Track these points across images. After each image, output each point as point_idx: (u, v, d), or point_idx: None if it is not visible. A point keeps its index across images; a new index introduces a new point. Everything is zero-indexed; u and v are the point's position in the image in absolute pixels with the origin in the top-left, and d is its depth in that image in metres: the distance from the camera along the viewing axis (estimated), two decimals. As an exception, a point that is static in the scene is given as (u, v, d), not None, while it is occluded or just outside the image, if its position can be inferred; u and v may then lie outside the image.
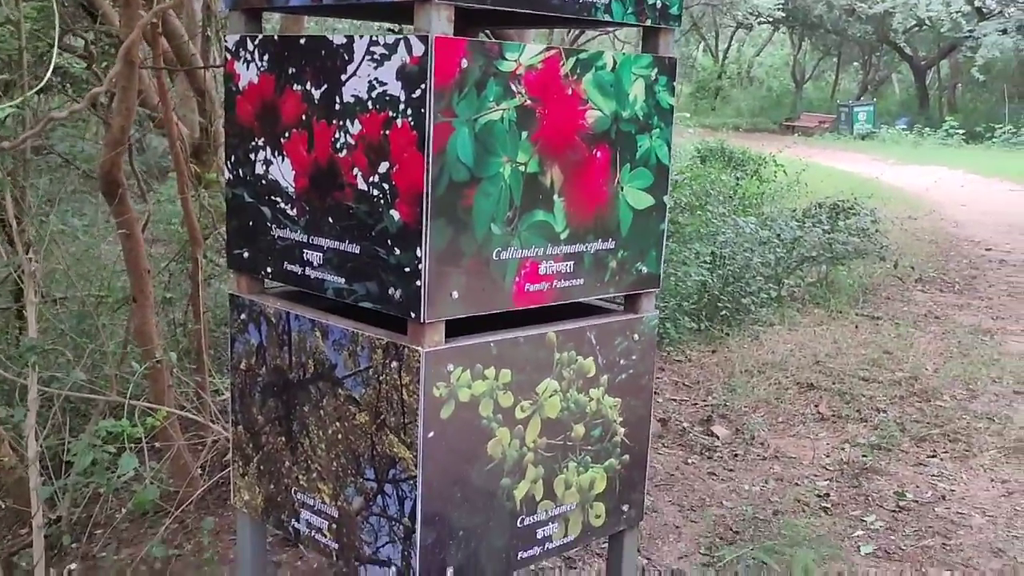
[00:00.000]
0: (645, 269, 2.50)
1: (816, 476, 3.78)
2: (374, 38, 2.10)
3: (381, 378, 2.19)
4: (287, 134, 2.32)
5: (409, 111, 2.04)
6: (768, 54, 40.62)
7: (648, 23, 2.38)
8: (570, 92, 2.24)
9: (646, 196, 2.46)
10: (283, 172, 2.35)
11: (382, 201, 2.12)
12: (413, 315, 2.09)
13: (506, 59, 2.12)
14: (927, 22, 22.27)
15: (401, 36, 2.05)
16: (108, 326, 4.52)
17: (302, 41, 2.27)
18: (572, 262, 2.33)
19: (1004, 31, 23.55)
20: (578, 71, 2.24)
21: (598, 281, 2.40)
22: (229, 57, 2.44)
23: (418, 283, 2.07)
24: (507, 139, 2.15)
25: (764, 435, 4.20)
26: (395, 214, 2.10)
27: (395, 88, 2.07)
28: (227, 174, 2.52)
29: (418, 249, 2.06)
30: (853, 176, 13.46)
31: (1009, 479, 3.83)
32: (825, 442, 4.16)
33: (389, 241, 2.12)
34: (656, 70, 2.40)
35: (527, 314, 2.34)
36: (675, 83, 2.47)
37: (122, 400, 3.42)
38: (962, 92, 29.55)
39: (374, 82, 2.11)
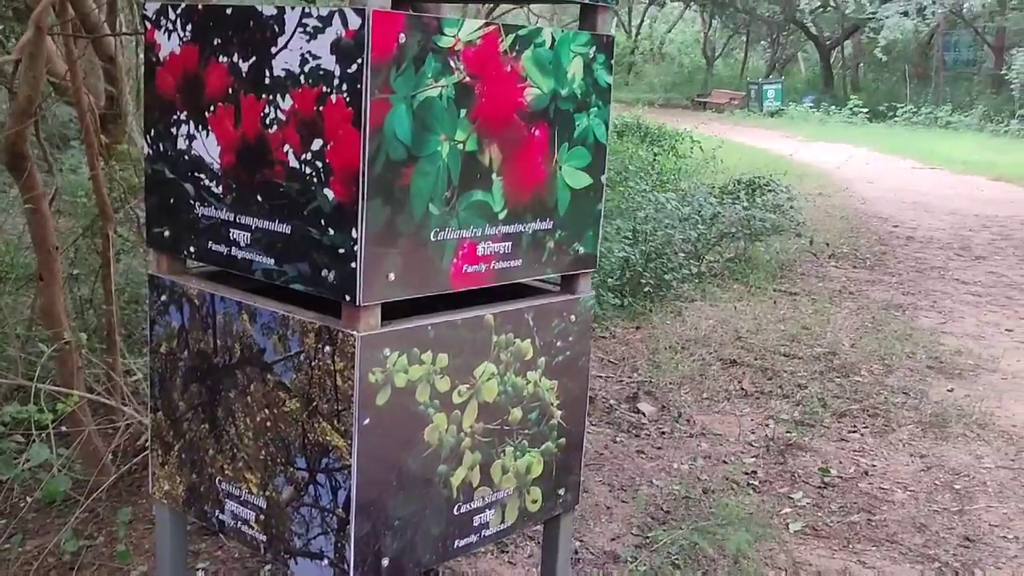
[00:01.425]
0: (582, 249, 2.46)
1: (743, 453, 3.84)
2: (307, 10, 2.01)
3: (313, 363, 2.11)
4: (212, 108, 2.20)
5: (344, 86, 1.96)
6: (679, 31, 41.08)
7: (587, 0, 2.33)
8: (508, 69, 2.18)
9: (584, 175, 2.42)
10: (208, 148, 2.24)
11: (315, 179, 2.03)
12: (348, 298, 2.02)
13: (444, 34, 2.05)
14: (832, 3, 22.77)
15: (335, 8, 1.96)
16: (11, 305, 4.30)
17: (228, 11, 2.15)
18: (510, 243, 2.28)
19: (905, 13, 24.26)
20: (516, 48, 2.19)
21: (536, 262, 2.36)
22: (149, 26, 2.30)
23: (353, 264, 1.99)
24: (445, 116, 2.08)
25: (690, 412, 4.24)
26: (329, 193, 2.01)
27: (329, 62, 1.98)
28: (146, 149, 2.39)
29: (353, 230, 1.98)
30: (766, 153, 13.72)
31: (927, 454, 3.95)
32: (749, 418, 4.22)
33: (322, 221, 2.03)
34: (594, 48, 2.36)
35: (460, 296, 2.28)
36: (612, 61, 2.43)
37: (28, 384, 3.25)
38: (864, 72, 30.37)
39: (307, 56, 2.02)
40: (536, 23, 17.36)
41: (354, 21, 1.92)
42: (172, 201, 2.34)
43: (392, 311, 2.12)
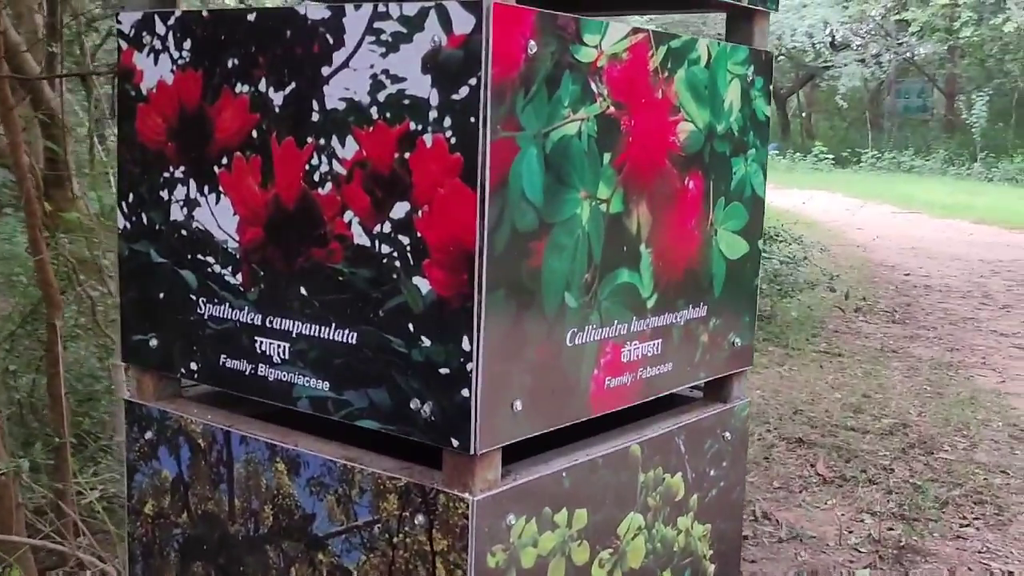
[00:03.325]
0: (739, 341, 1.79)
1: (852, 562, 3.17)
2: (380, 7, 1.32)
3: (396, 540, 1.39)
4: (226, 161, 1.50)
5: (447, 121, 1.27)
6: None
7: (745, 2, 1.69)
8: (660, 95, 1.52)
9: (740, 241, 1.76)
10: (219, 218, 1.52)
11: (398, 263, 1.34)
12: (456, 442, 1.31)
13: (585, 43, 1.38)
14: (789, 53, 22.83)
15: (429, 4, 1.28)
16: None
17: (251, 18, 1.46)
18: (659, 340, 1.60)
19: (862, 61, 24.43)
20: (669, 65, 1.53)
21: (688, 364, 1.68)
22: (124, 46, 1.60)
23: (465, 392, 1.29)
24: (586, 164, 1.40)
25: (767, 506, 3.57)
26: (422, 283, 1.31)
27: (420, 86, 1.29)
28: (121, 222, 1.67)
29: (465, 339, 1.28)
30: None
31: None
32: (840, 511, 3.56)
33: (411, 326, 1.33)
34: (753, 68, 1.71)
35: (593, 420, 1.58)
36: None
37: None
38: (817, 120, 30.49)
39: (382, 77, 1.33)
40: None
41: (463, 22, 1.25)
42: (163, 296, 1.61)
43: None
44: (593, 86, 1.40)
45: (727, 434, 1.80)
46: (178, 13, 1.53)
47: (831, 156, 21.41)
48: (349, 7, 1.36)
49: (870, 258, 8.86)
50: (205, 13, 1.50)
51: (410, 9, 1.30)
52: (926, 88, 26.36)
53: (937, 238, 10.68)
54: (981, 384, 5.17)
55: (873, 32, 24.01)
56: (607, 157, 1.44)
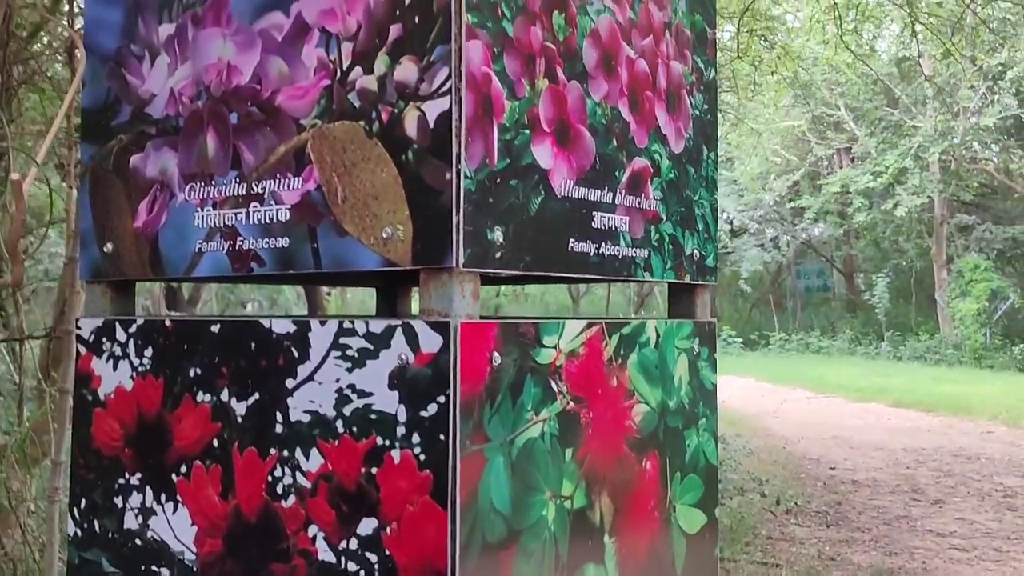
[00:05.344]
0: (702, 616, 1.77)
1: None
2: (345, 324, 1.36)
3: None
4: (184, 469, 1.48)
5: (416, 438, 1.29)
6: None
7: (687, 279, 1.79)
8: (615, 383, 1.57)
9: (698, 514, 1.78)
10: (175, 528, 1.49)
11: (367, 581, 1.31)
12: None
13: (544, 346, 1.43)
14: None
15: (396, 322, 1.32)
16: None
17: (214, 328, 1.48)
18: (627, 629, 1.57)
19: (761, 245, 25.62)
20: (622, 352, 1.59)
21: (655, 648, 1.65)
22: (84, 351, 1.59)
23: None
24: (550, 464, 1.43)
25: None
26: (393, 603, 1.29)
27: (387, 402, 1.31)
28: (72, 528, 1.61)
29: (439, 663, 1.25)
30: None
31: None
32: None
33: (382, 648, 1.29)
34: (698, 340, 1.79)
35: None
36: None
37: None
38: (722, 303, 31.57)
39: (348, 392, 1.35)
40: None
41: (430, 341, 1.29)
42: (111, 605, 1.54)
43: None
44: (553, 385, 1.44)
45: None
46: (140, 321, 1.54)
47: (739, 339, 22.03)
48: (314, 322, 1.39)
49: (792, 451, 8.98)
50: (168, 322, 1.52)
51: (376, 327, 1.34)
52: (825, 268, 27.65)
53: (856, 425, 10.91)
54: (926, 590, 5.16)
55: (768, 217, 25.36)
56: (568, 453, 1.46)
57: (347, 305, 15.30)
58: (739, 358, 20.31)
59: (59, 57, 4.65)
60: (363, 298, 14.90)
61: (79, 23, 3.94)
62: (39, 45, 4.77)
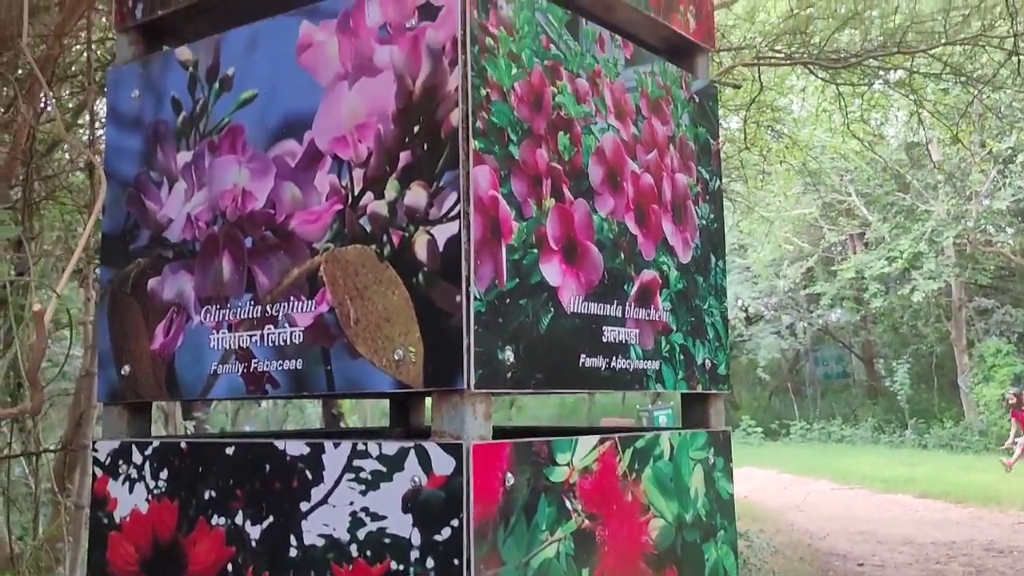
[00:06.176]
0: None
1: None
2: (359, 447, 1.37)
3: None
4: (198, 593, 1.47)
5: (430, 562, 1.28)
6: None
7: (699, 388, 1.79)
8: (630, 498, 1.56)
9: (719, 628, 1.74)
10: (189, 655, 1.47)
11: None
12: None
13: (557, 464, 1.43)
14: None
15: (408, 444, 1.32)
16: None
17: (229, 451, 1.49)
18: None
19: (778, 332, 25.50)
20: (636, 467, 1.58)
21: None
22: (100, 474, 1.60)
23: None
24: (566, 584, 1.41)
25: None
26: None
27: (401, 525, 1.31)
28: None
29: None
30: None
31: None
32: None
33: None
34: (712, 450, 1.78)
35: None
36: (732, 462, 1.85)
37: None
38: (740, 391, 31.30)
39: (361, 515, 1.35)
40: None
41: (443, 463, 1.29)
42: None
43: None
44: (568, 503, 1.43)
45: None
46: (155, 444, 1.55)
47: (760, 429, 21.74)
48: (328, 444, 1.40)
49: (818, 547, 8.78)
50: (184, 445, 1.53)
51: (389, 448, 1.34)
52: (844, 355, 27.42)
53: (883, 517, 10.68)
54: None
55: (784, 304, 25.30)
56: (585, 573, 1.45)
57: (361, 405, 15.25)
58: (760, 448, 20.02)
59: (80, 166, 4.77)
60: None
61: (98, 134, 4.06)
62: (59, 157, 4.91)
